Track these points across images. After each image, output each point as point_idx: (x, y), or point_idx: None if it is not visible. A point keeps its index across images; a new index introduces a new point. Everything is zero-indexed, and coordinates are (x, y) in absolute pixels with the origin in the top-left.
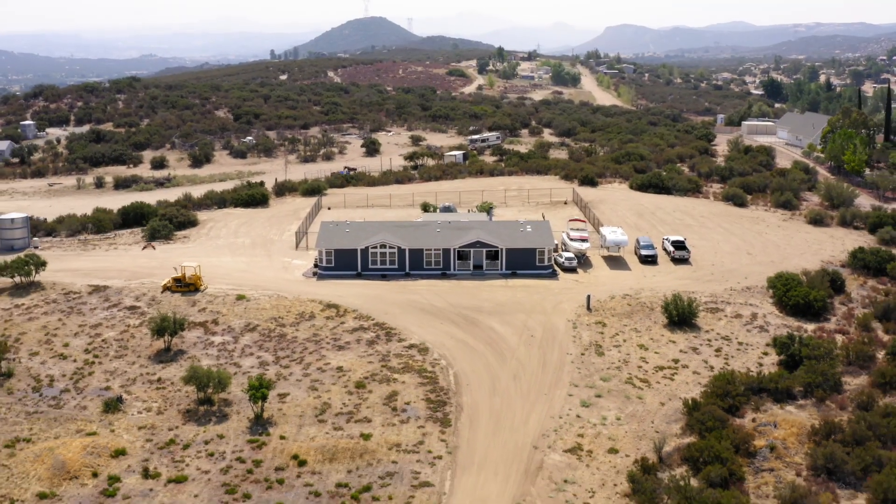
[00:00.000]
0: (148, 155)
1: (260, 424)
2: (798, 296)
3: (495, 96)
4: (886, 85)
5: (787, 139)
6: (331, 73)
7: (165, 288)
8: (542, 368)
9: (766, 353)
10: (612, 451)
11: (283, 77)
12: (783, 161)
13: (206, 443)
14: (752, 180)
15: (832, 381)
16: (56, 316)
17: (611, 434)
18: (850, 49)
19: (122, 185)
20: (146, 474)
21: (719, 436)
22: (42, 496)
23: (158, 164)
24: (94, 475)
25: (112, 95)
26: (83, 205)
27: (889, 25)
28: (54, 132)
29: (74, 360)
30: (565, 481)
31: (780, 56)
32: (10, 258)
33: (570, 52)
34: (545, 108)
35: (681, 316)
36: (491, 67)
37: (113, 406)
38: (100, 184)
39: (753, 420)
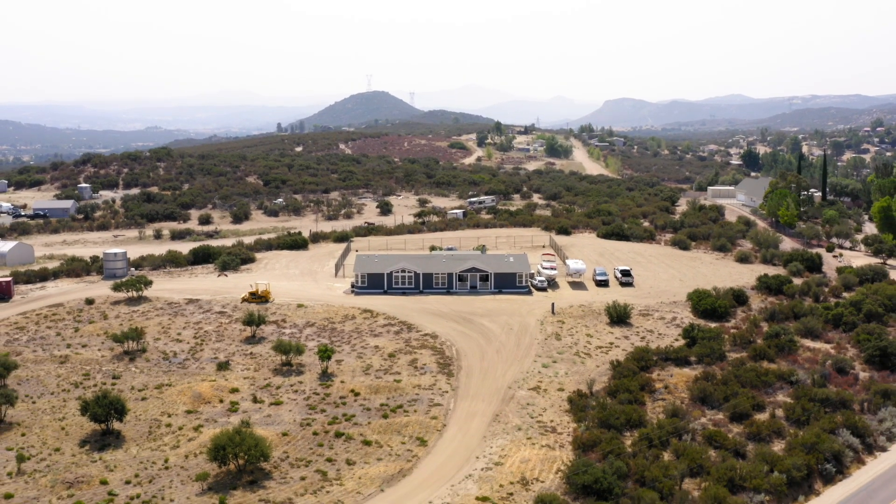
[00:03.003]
0: (194, 213)
1: (326, 376)
2: (707, 303)
3: (493, 167)
4: (822, 153)
5: (743, 200)
6: (342, 146)
7: (244, 299)
8: (516, 347)
9: (676, 340)
10: (560, 389)
11: (299, 149)
12: (731, 217)
13: (291, 385)
14: (699, 230)
15: (718, 353)
16: (166, 317)
17: (560, 381)
18: (842, 121)
19: (177, 236)
20: (255, 400)
21: (631, 379)
22: (188, 412)
23: (205, 220)
24: (220, 401)
25: (153, 163)
26: (149, 251)
27: (884, 97)
28: (106, 194)
29: (188, 343)
30: (528, 404)
31: (767, 128)
32: (122, 280)
33: (568, 125)
34: (537, 176)
35: (619, 316)
36: (489, 140)
37: (223, 366)
38: (158, 235)
39: (658, 374)
